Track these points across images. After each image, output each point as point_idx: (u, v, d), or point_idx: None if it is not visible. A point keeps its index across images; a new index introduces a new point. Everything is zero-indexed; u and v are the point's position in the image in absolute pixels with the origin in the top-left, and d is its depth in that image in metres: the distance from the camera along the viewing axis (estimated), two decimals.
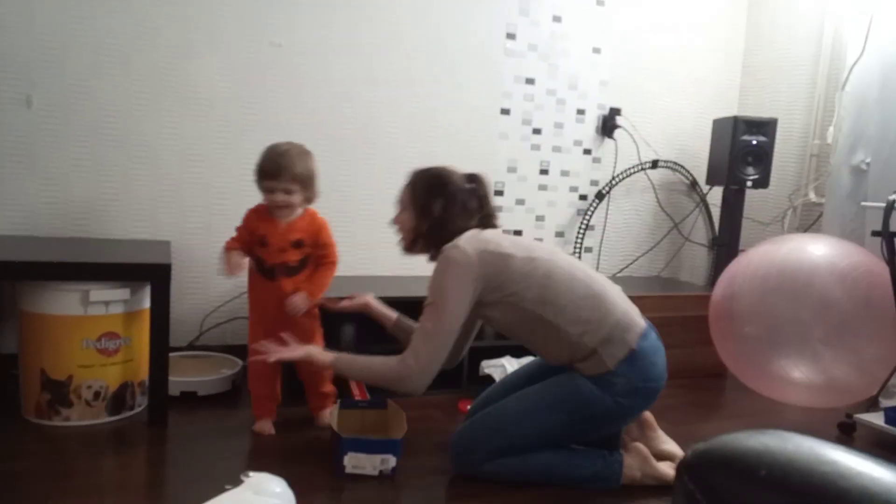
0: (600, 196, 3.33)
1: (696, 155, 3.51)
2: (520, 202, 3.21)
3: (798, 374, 2.40)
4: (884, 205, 2.21)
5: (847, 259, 2.39)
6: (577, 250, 3.31)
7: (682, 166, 3.49)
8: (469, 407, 2.10)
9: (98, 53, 2.44)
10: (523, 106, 3.14)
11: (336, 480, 1.75)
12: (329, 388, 2.14)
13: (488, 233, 1.87)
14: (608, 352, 1.75)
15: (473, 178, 1.94)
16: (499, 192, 3.16)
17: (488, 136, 3.09)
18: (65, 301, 1.96)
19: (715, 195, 3.48)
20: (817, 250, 2.45)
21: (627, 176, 3.37)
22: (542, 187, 3.25)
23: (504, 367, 2.43)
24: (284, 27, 2.68)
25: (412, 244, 1.95)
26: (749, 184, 3.15)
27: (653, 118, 3.44)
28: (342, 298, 2.09)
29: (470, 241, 1.81)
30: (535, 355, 2.05)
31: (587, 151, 3.32)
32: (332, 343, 2.14)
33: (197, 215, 2.63)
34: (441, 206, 1.86)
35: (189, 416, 2.07)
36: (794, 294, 2.37)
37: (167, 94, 2.55)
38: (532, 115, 3.17)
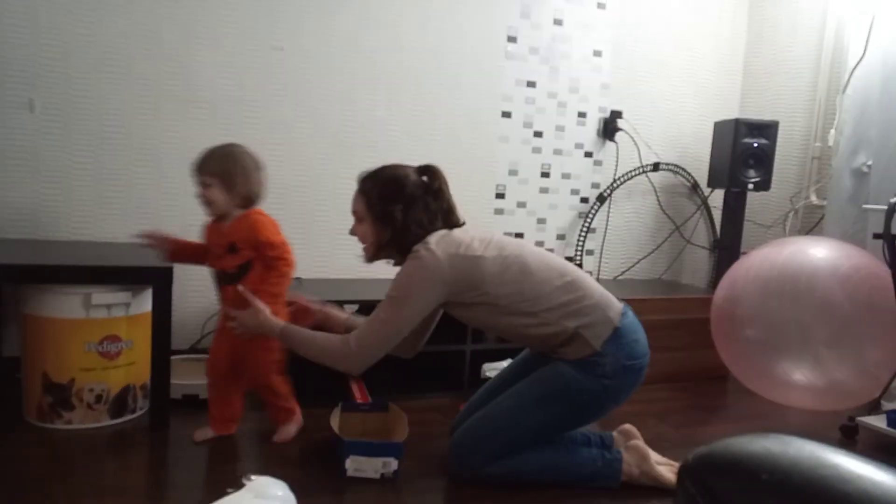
0: (602, 199, 3.33)
1: (698, 157, 3.51)
2: (521, 205, 3.21)
3: (800, 377, 2.40)
4: (885, 207, 2.21)
5: (849, 262, 2.38)
6: (579, 253, 3.31)
7: (683, 169, 3.49)
8: (461, 407, 2.09)
9: (101, 58, 2.45)
10: (524, 109, 3.15)
11: (338, 483, 1.75)
12: (288, 404, 2.02)
13: (457, 233, 1.82)
14: (592, 332, 1.74)
15: (426, 171, 1.88)
16: (500, 195, 3.16)
17: (489, 138, 3.10)
18: (67, 304, 1.96)
19: (716, 198, 3.48)
20: (819, 253, 2.44)
21: (629, 179, 3.37)
22: (544, 190, 3.25)
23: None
24: (286, 31, 2.69)
25: (376, 254, 1.88)
26: (750, 186, 3.15)
27: (654, 121, 3.44)
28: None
29: (440, 243, 1.77)
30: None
31: (588, 154, 3.33)
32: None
33: (198, 219, 2.63)
34: (401, 211, 1.80)
35: (191, 420, 2.07)
36: (796, 297, 2.37)
37: (170, 98, 2.55)
38: (533, 118, 3.17)
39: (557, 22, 3.16)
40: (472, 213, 3.08)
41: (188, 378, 2.27)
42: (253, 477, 1.39)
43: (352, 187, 2.84)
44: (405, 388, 2.48)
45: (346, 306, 2.28)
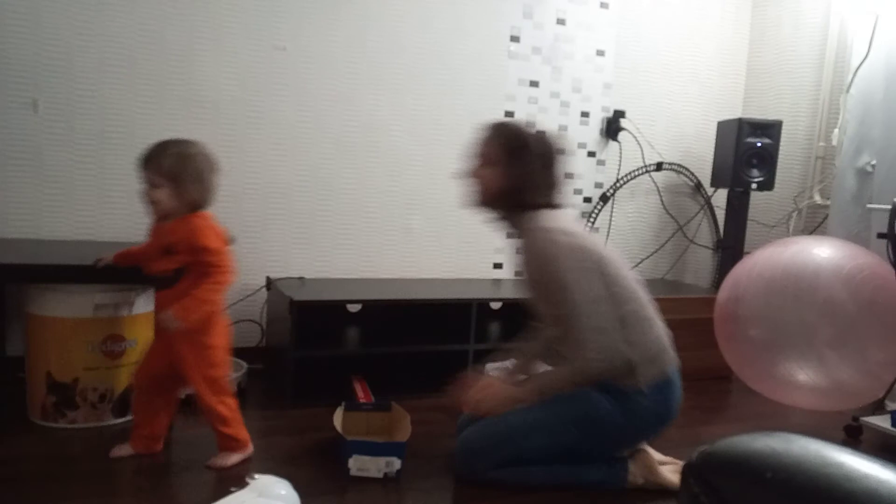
0: (605, 198, 3.33)
1: (701, 157, 3.50)
2: None
3: (803, 377, 2.39)
4: (889, 207, 2.21)
5: (852, 261, 2.38)
6: None
7: (686, 168, 3.49)
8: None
9: (104, 57, 2.45)
10: (527, 109, 3.14)
11: (341, 483, 1.75)
12: (231, 430, 1.81)
13: (576, 225, 1.83)
14: (645, 371, 1.74)
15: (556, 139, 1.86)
16: None
17: None
18: (71, 304, 1.96)
19: (720, 197, 3.48)
20: (822, 252, 2.44)
21: (632, 178, 3.37)
22: None
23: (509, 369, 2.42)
24: (289, 31, 2.69)
25: (491, 201, 1.84)
26: (754, 186, 3.14)
27: (657, 120, 3.43)
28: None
29: (566, 233, 1.76)
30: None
31: (591, 154, 3.32)
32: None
33: None
34: (538, 166, 1.78)
35: (194, 419, 2.07)
36: (800, 296, 2.36)
37: (172, 98, 2.56)
38: (536, 117, 3.17)
39: (560, 21, 3.16)
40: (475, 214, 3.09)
41: None
42: (257, 476, 1.39)
43: (353, 186, 2.86)
44: (407, 388, 2.48)
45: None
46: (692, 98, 3.52)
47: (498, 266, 3.16)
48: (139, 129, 2.52)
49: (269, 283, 2.64)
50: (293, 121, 2.74)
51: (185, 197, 1.72)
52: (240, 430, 1.84)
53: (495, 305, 2.92)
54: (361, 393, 2.26)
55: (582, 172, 3.31)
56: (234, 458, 1.82)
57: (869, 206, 2.77)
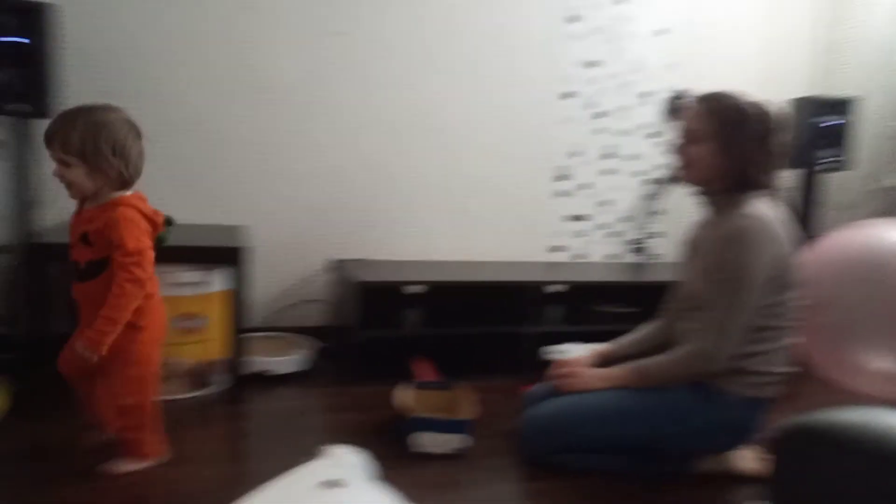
0: (671, 180, 3.25)
1: None
2: (583, 186, 3.17)
3: (878, 365, 2.30)
4: None
5: None
6: (644, 235, 3.25)
7: None
8: (527, 389, 2.02)
9: (172, 48, 2.53)
10: (586, 89, 3.09)
11: (405, 459, 1.78)
12: (139, 435, 1.59)
13: (782, 224, 1.67)
14: (751, 384, 1.66)
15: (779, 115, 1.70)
16: (563, 177, 3.13)
17: (549, 120, 3.06)
18: None
19: (791, 178, 3.35)
20: None
21: None
22: (607, 171, 3.20)
23: (565, 354, 2.40)
24: (348, 16, 2.71)
25: (706, 181, 1.71)
26: (827, 167, 3.01)
27: None
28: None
29: (776, 235, 1.63)
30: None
31: (654, 134, 3.25)
32: None
33: (268, 201, 2.71)
34: (757, 143, 1.65)
35: (264, 394, 2.14)
36: (873, 281, 2.27)
37: (242, 85, 2.62)
38: (595, 98, 3.12)
39: (620, 0, 3.08)
40: (532, 195, 3.08)
41: (260, 355, 2.35)
42: (330, 447, 1.41)
43: (409, 170, 2.87)
44: (462, 370, 2.49)
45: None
46: (760, 75, 3.36)
47: (557, 249, 3.14)
48: (205, 117, 2.59)
49: (334, 265, 2.70)
50: (353, 105, 2.77)
51: (104, 175, 1.48)
52: (150, 437, 1.62)
53: (556, 288, 2.91)
54: (426, 372, 2.28)
55: (644, 153, 3.24)
56: (129, 466, 1.60)
57: None
